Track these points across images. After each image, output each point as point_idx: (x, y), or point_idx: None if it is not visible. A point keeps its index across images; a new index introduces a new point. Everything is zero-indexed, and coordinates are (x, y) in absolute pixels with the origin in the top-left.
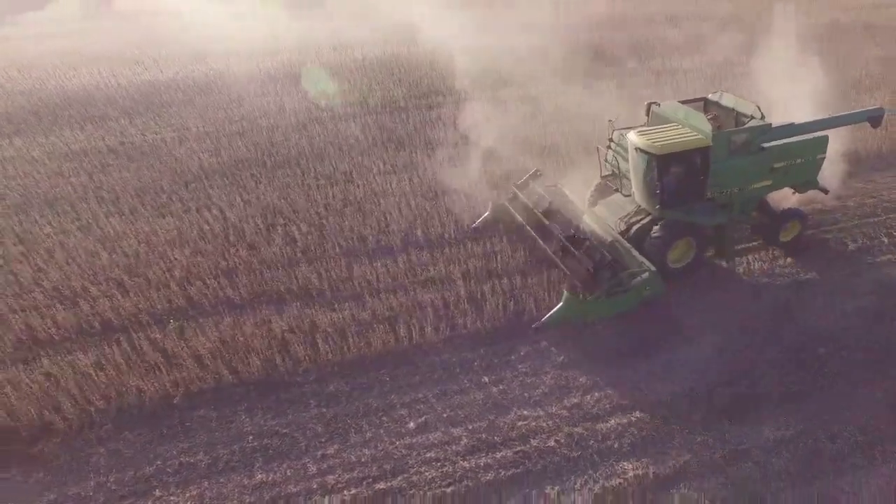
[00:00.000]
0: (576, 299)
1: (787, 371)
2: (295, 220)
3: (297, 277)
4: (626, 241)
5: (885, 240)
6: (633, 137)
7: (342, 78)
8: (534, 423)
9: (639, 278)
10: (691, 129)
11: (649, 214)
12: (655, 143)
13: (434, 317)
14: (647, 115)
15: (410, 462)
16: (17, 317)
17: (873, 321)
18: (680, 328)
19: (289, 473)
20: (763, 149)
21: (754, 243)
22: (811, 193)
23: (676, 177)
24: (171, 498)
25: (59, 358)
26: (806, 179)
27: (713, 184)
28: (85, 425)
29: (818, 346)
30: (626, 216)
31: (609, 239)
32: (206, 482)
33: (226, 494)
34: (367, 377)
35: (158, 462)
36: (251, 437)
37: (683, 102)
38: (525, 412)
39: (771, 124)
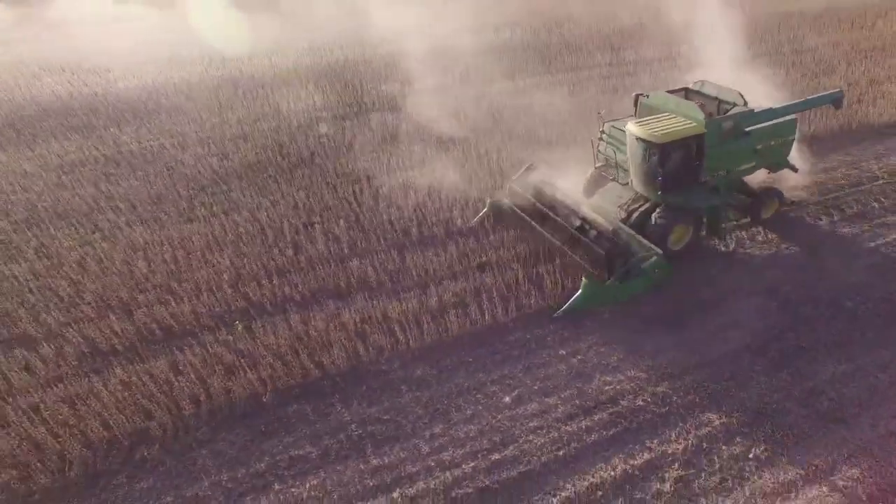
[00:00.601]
0: (594, 286)
1: (824, 324)
2: (330, 218)
3: (352, 272)
4: (628, 228)
5: (876, 205)
6: (632, 128)
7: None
8: (618, 387)
9: (648, 262)
10: (684, 118)
11: (647, 201)
12: (656, 133)
13: (500, 299)
14: (636, 106)
15: (517, 432)
16: (70, 330)
17: (887, 275)
18: (713, 298)
19: (403, 455)
20: (747, 133)
21: (734, 222)
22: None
23: (675, 163)
24: (292, 490)
25: (130, 367)
26: (779, 159)
27: (706, 168)
28: (180, 430)
29: (845, 300)
30: (624, 204)
31: (613, 227)
32: (323, 471)
33: (346, 481)
34: (449, 360)
35: (267, 458)
36: (354, 426)
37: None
38: (608, 377)
39: (754, 110)
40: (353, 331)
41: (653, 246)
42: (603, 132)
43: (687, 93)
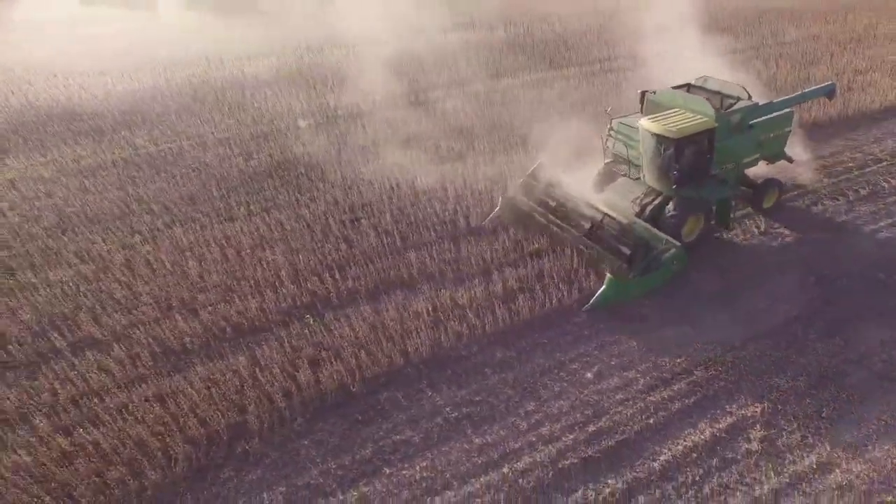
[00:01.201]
0: (618, 280)
1: (861, 295)
2: (374, 213)
3: (411, 263)
4: (644, 223)
5: (885, 185)
6: (646, 124)
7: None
8: (689, 359)
9: (667, 255)
10: (695, 113)
11: (659, 195)
12: (672, 128)
13: (562, 282)
14: (642, 103)
15: (605, 405)
16: (137, 331)
17: None
18: (754, 275)
19: (503, 433)
20: (752, 126)
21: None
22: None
23: (689, 158)
24: (403, 472)
25: (210, 364)
26: (777, 151)
27: (716, 161)
28: (275, 422)
29: (876, 273)
30: (637, 198)
31: (629, 221)
32: (429, 453)
33: (454, 460)
34: (524, 342)
35: (370, 444)
36: (448, 409)
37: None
38: (677, 351)
39: (758, 103)
40: (427, 319)
41: (671, 239)
42: (611, 129)
43: (689, 88)
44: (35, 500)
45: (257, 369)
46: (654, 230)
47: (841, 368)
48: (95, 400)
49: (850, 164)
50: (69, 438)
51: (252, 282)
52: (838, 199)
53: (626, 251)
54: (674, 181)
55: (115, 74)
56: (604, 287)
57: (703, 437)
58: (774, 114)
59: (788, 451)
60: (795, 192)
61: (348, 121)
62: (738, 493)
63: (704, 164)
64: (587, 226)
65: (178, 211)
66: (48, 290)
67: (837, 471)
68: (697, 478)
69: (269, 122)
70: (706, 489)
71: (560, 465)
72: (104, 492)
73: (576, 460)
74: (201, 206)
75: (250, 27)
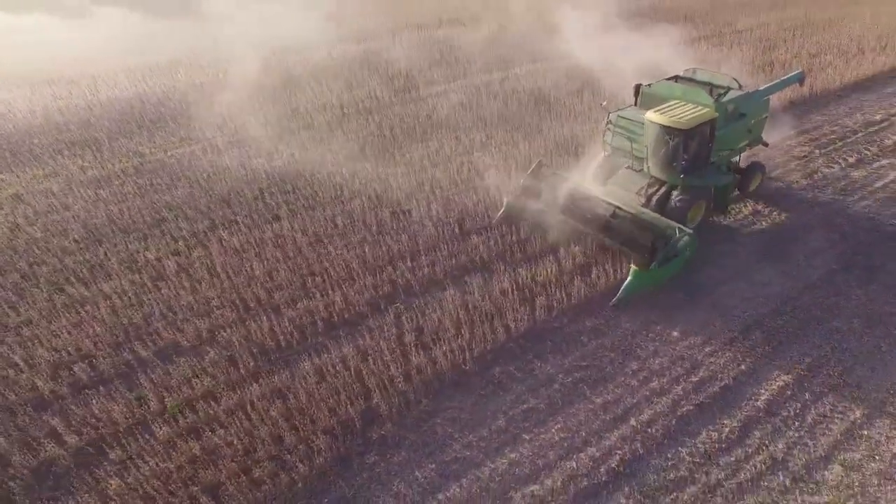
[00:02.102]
0: (642, 273)
1: (883, 246)
2: (417, 205)
3: (477, 247)
4: (652, 213)
5: (868, 152)
6: (654, 117)
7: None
8: (755, 311)
9: (682, 242)
10: (695, 104)
11: (663, 184)
12: (680, 120)
13: (625, 256)
14: (636, 95)
15: (699, 358)
16: (224, 334)
17: None
18: (788, 236)
19: (619, 391)
20: (743, 114)
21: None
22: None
23: (695, 147)
24: (542, 436)
25: (316, 358)
26: (757, 136)
27: (715, 149)
28: (402, 406)
29: (888, 226)
30: (641, 189)
31: (640, 212)
32: (559, 416)
33: (583, 420)
34: (608, 310)
35: (501, 415)
36: (561, 376)
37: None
38: (742, 306)
39: (748, 92)
40: (514, 296)
41: (683, 227)
42: (609, 122)
43: (678, 80)
44: (191, 501)
45: (369, 357)
46: (666, 219)
47: (885, 310)
48: (210, 403)
49: (833, 136)
50: (199, 442)
51: (324, 276)
52: (833, 167)
53: (648, 243)
54: (681, 170)
55: (87, 82)
56: (629, 279)
57: (790, 376)
58: (758, 101)
59: (864, 381)
60: (797, 163)
61: (364, 115)
62: (836, 420)
63: (707, 152)
64: (602, 220)
65: (216, 215)
66: (108, 301)
67: None
68: (797, 410)
69: (275, 122)
70: (808, 419)
71: (679, 413)
72: (254, 489)
73: (691, 407)
74: (237, 208)
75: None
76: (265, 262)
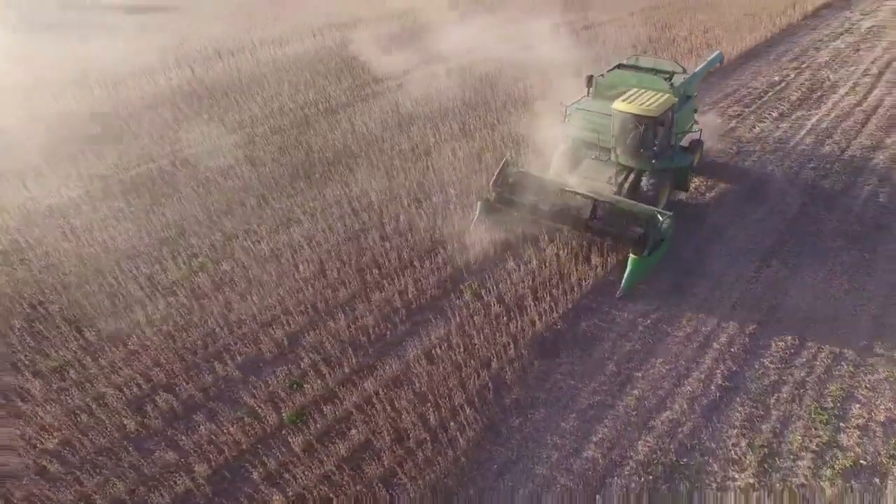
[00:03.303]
0: (640, 262)
1: (831, 177)
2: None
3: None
4: (630, 200)
5: (784, 107)
6: (622, 106)
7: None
8: (765, 244)
9: (665, 225)
10: (655, 91)
11: (631, 171)
12: (650, 107)
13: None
14: (589, 86)
15: (742, 287)
16: (307, 338)
17: (825, 141)
18: (756, 190)
19: (692, 323)
20: (689, 96)
21: None
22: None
23: (662, 133)
24: (651, 371)
25: (416, 341)
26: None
27: (675, 132)
28: (519, 369)
29: (827, 162)
30: (610, 178)
31: (616, 202)
32: (656, 352)
33: (676, 352)
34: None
35: (608, 361)
36: (640, 319)
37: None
38: (756, 242)
39: (691, 75)
40: (569, 260)
41: (662, 210)
42: (569, 116)
43: (620, 67)
44: (369, 494)
45: (473, 333)
46: (645, 206)
47: (853, 229)
48: (330, 405)
49: (750, 97)
50: (344, 442)
51: (380, 269)
52: (764, 121)
53: (639, 231)
54: (653, 156)
55: (52, 93)
56: (629, 270)
57: (815, 287)
58: (695, 83)
59: (867, 284)
60: (736, 121)
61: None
62: (865, 314)
63: (670, 136)
64: (584, 215)
65: (232, 224)
66: (153, 328)
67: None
68: (833, 312)
69: (261, 121)
70: (842, 317)
71: (747, 332)
72: (426, 470)
73: (754, 325)
74: (251, 215)
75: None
76: (311, 264)
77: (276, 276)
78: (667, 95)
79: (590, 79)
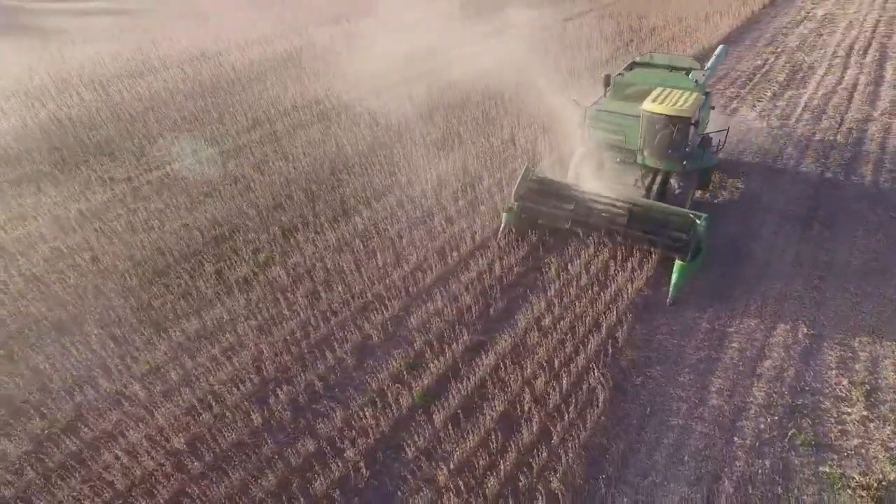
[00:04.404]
0: (686, 267)
1: (834, 153)
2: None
3: None
4: (663, 204)
5: (776, 87)
6: (654, 107)
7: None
8: (802, 208)
9: (702, 227)
10: (681, 90)
11: (657, 173)
12: (683, 108)
13: None
14: (607, 86)
15: (794, 250)
16: (413, 321)
17: (820, 116)
18: (774, 164)
19: (763, 288)
20: (707, 93)
21: None
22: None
23: (693, 132)
24: (741, 325)
25: (521, 318)
26: None
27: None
28: (626, 332)
29: (833, 135)
30: (636, 181)
31: (652, 206)
32: (736, 309)
33: (758, 308)
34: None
35: (699, 320)
36: (716, 279)
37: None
38: (795, 208)
39: (707, 72)
40: None
41: (698, 213)
42: (589, 118)
43: (633, 65)
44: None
45: (573, 303)
46: (681, 209)
47: (871, 192)
48: (457, 381)
49: (742, 80)
50: (489, 412)
51: (458, 250)
52: (762, 100)
53: (683, 236)
54: (684, 157)
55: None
56: (677, 276)
57: (854, 243)
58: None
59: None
60: (737, 101)
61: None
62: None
63: (696, 136)
64: (621, 220)
65: (286, 217)
66: (245, 323)
67: None
68: (874, 264)
69: (268, 120)
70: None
71: (814, 286)
72: (573, 431)
73: (817, 280)
74: (303, 208)
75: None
76: (383, 251)
77: (354, 264)
78: (696, 94)
79: (607, 78)
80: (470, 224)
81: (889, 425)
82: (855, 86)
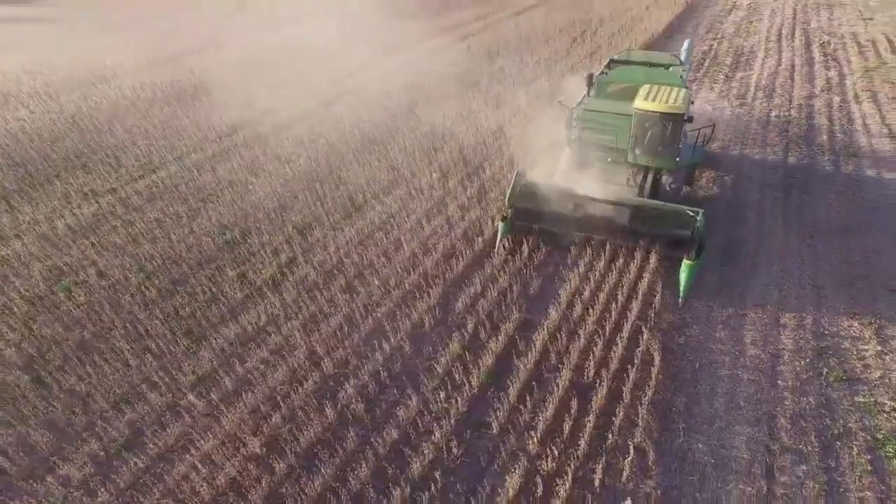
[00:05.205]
0: (694, 265)
1: (792, 126)
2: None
3: None
4: (660, 203)
5: (725, 69)
6: (646, 105)
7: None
8: (780, 176)
9: (700, 223)
10: (669, 86)
11: (648, 170)
12: (675, 104)
13: None
14: (590, 85)
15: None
16: (459, 303)
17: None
18: (748, 137)
19: (766, 246)
20: (687, 86)
21: None
22: None
23: (683, 129)
24: (754, 281)
25: (563, 297)
26: None
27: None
28: (656, 298)
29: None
30: (627, 180)
31: (650, 205)
32: (752, 269)
33: (766, 263)
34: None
35: (733, 279)
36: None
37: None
38: (772, 176)
39: (685, 66)
40: None
41: (693, 209)
42: (575, 118)
43: (612, 63)
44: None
45: (605, 277)
46: (677, 206)
47: (833, 157)
48: (516, 358)
49: (695, 64)
50: (559, 381)
51: (482, 235)
52: (717, 82)
53: (687, 234)
54: (677, 154)
55: None
56: (686, 274)
57: (832, 196)
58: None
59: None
60: (695, 85)
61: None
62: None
63: (684, 131)
64: (621, 221)
65: (297, 217)
66: (288, 324)
67: None
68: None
69: (241, 127)
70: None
71: (808, 243)
72: (640, 389)
73: (809, 238)
74: (311, 206)
75: None
76: (408, 242)
77: (383, 256)
78: (683, 90)
79: (590, 77)
80: (483, 213)
81: None
82: (793, 67)
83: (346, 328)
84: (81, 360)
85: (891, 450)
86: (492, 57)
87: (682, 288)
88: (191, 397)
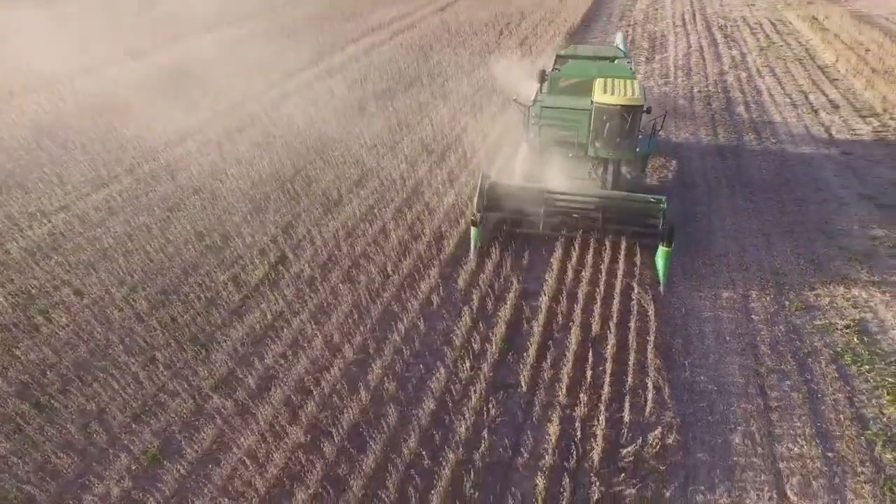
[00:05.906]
0: (669, 251)
1: (714, 99)
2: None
3: None
4: (627, 193)
5: (645, 50)
6: (607, 98)
7: None
8: (733, 136)
9: (666, 209)
10: (622, 79)
11: (608, 163)
12: (634, 97)
13: None
14: (542, 81)
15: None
16: (460, 281)
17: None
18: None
19: (724, 203)
20: (634, 77)
21: None
22: None
23: (641, 120)
24: (726, 226)
25: (569, 272)
26: None
27: None
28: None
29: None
30: (589, 173)
31: (616, 196)
32: (717, 221)
33: (727, 213)
34: None
35: (697, 233)
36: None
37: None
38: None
39: (629, 58)
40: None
41: (659, 196)
42: (534, 115)
43: (558, 58)
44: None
45: (614, 264)
46: (643, 195)
47: (751, 125)
48: (527, 324)
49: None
50: (571, 346)
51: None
52: (641, 64)
53: (659, 224)
54: (636, 144)
55: None
56: (663, 262)
57: (759, 156)
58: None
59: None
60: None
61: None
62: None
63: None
64: (593, 215)
65: (275, 217)
66: (305, 309)
67: None
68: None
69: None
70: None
71: (751, 197)
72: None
73: (749, 191)
74: (289, 204)
75: None
76: (396, 231)
77: (374, 244)
78: (636, 81)
79: (542, 73)
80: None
81: (840, 286)
82: (701, 48)
83: (356, 315)
84: (83, 380)
85: (847, 359)
86: (426, 52)
87: (661, 275)
88: (216, 399)
